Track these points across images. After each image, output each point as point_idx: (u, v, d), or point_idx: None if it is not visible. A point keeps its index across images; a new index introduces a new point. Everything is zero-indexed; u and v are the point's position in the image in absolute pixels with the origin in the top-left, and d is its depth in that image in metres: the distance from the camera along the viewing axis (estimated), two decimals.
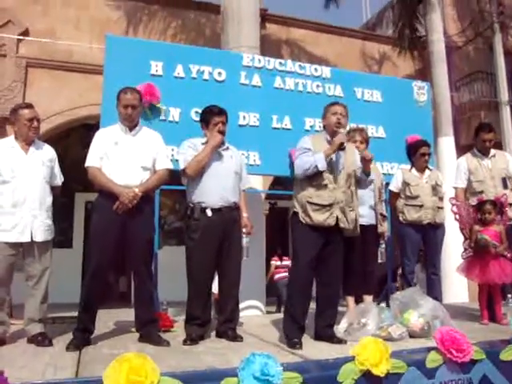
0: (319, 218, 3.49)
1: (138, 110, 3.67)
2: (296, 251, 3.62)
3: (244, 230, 3.87)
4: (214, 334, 3.80)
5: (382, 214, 4.47)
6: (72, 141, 10.35)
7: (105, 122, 4.08)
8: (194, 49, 5.17)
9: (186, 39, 9.91)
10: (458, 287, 6.16)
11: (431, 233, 4.74)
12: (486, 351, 3.06)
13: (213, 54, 5.06)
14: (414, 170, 4.87)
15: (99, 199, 3.51)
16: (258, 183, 5.59)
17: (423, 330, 3.63)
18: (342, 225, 3.55)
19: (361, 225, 4.22)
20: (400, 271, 6.39)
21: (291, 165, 5.04)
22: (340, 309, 3.95)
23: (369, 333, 3.50)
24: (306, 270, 3.51)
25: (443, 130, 7.72)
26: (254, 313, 5.46)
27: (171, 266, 6.45)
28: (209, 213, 3.63)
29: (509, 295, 4.72)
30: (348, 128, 4.82)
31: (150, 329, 3.51)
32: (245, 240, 3.86)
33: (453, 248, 5.61)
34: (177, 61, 4.76)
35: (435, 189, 4.74)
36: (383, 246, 4.52)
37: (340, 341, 3.45)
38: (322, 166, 3.48)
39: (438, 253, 4.80)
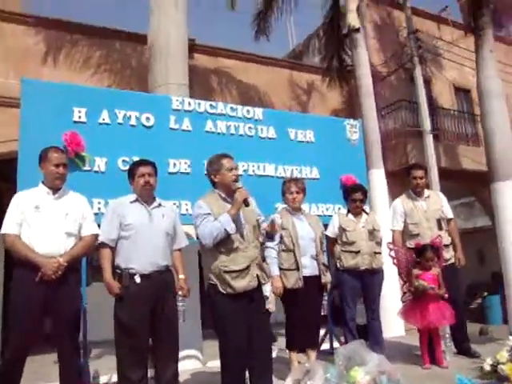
0: (240, 284, 3.31)
1: (66, 173, 3.39)
2: (222, 325, 3.33)
3: (180, 293, 3.59)
4: None
5: (324, 264, 4.34)
6: None
7: (22, 182, 3.72)
8: (119, 93, 4.91)
9: (110, 70, 9.51)
10: (394, 321, 6.13)
11: (369, 279, 4.66)
12: None
13: (140, 98, 4.81)
14: (350, 214, 4.82)
15: (18, 271, 3.15)
16: (192, 233, 5.33)
17: None
18: (263, 281, 3.45)
19: (304, 276, 4.12)
20: None
21: None
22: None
23: None
24: (238, 344, 3.27)
25: (373, 163, 7.84)
26: (191, 364, 5.18)
27: (100, 302, 5.97)
28: (137, 279, 3.35)
29: (446, 335, 4.75)
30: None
31: None
32: (180, 303, 3.59)
33: (390, 287, 5.61)
34: (102, 106, 4.47)
35: (372, 233, 4.69)
36: (326, 297, 4.39)
37: None
38: (231, 228, 3.28)
39: (376, 298, 4.73)
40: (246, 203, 3.34)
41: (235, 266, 3.31)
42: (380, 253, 4.73)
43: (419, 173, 4.91)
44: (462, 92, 14.12)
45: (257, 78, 10.94)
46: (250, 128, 5.18)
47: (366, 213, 4.88)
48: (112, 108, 4.51)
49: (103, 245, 3.43)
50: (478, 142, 13.25)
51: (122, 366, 3.31)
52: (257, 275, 3.36)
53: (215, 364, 5.63)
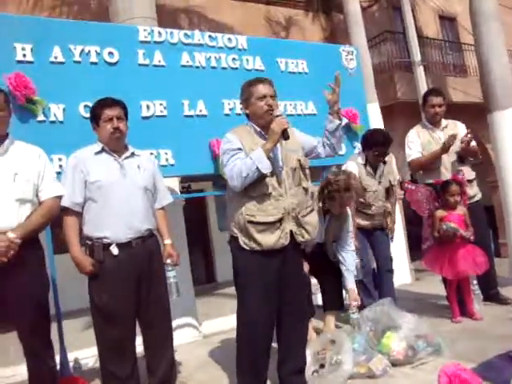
0: (268, 240, 2.59)
1: (6, 115, 2.57)
2: (242, 287, 2.70)
3: (168, 262, 2.90)
4: None
5: None
6: None
7: None
8: (72, 24, 3.99)
9: (67, 14, 8.47)
10: (398, 268, 5.56)
11: (378, 232, 4.15)
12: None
13: (99, 29, 3.91)
14: (368, 166, 4.11)
15: None
16: (175, 187, 4.61)
17: (407, 357, 2.94)
18: (300, 239, 2.68)
19: None
20: None
21: (214, 158, 4.15)
22: None
23: (346, 374, 2.76)
24: (261, 311, 2.62)
25: (368, 97, 7.06)
26: (188, 335, 4.57)
27: (66, 270, 5.31)
28: (114, 251, 2.64)
29: (474, 281, 4.20)
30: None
31: None
32: (171, 274, 2.89)
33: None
34: (52, 41, 3.59)
35: (388, 192, 4.14)
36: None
37: None
38: (266, 166, 2.54)
39: (388, 249, 4.18)
40: (284, 135, 2.60)
41: (264, 217, 2.60)
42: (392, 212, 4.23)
43: (438, 100, 4.20)
44: (446, 21, 13.37)
45: (231, 17, 9.97)
46: (233, 59, 4.37)
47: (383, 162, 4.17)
48: (65, 43, 3.64)
49: (66, 211, 2.69)
50: (465, 72, 12.64)
51: (104, 359, 2.65)
52: (290, 231, 2.64)
53: (212, 328, 5.10)
